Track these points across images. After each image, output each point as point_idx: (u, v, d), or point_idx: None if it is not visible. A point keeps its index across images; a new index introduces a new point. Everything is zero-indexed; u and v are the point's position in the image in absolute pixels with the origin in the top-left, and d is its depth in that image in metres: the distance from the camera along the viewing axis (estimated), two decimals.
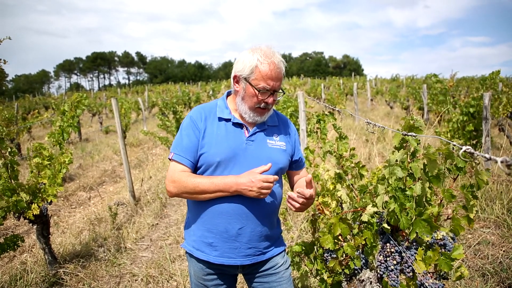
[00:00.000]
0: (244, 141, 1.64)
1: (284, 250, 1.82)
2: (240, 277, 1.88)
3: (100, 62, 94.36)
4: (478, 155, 0.92)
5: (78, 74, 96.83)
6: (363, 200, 1.88)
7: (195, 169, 1.67)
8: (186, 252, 1.76)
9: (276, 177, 1.52)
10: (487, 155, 0.82)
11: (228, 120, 1.66)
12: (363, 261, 1.78)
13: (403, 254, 1.52)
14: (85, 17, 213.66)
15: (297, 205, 1.54)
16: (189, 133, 1.63)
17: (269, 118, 1.73)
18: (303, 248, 2.04)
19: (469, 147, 0.93)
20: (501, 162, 0.72)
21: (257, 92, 1.57)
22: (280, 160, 1.68)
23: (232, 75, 1.65)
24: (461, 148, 0.99)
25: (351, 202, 2.09)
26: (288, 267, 1.81)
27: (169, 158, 1.66)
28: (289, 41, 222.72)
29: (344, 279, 1.85)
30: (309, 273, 2.18)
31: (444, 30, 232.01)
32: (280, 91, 1.65)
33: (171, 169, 1.63)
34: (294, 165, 1.83)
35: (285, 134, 1.78)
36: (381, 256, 1.59)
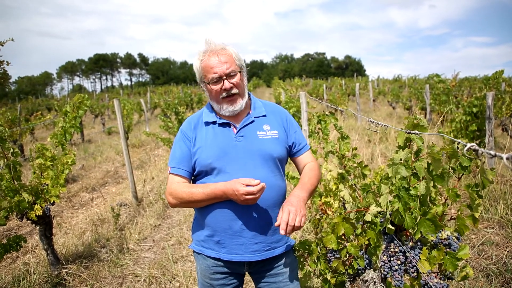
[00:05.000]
0: (233, 139, 1.65)
1: (292, 248, 1.81)
2: (247, 279, 1.88)
3: (103, 63, 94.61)
4: (483, 152, 0.91)
5: (81, 76, 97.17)
6: (366, 199, 1.87)
7: (195, 176, 1.70)
8: (194, 252, 1.77)
9: (258, 182, 1.45)
10: (492, 152, 0.81)
11: (214, 122, 1.69)
12: (367, 261, 1.77)
13: (407, 254, 1.51)
14: (88, 19, 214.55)
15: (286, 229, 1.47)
16: (180, 145, 1.68)
17: (255, 110, 1.73)
18: (307, 247, 2.03)
19: (474, 144, 0.93)
20: (507, 158, 0.71)
21: (210, 85, 1.61)
22: (274, 150, 1.66)
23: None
24: (466, 146, 0.98)
25: (354, 202, 2.08)
26: (295, 267, 1.81)
27: (168, 173, 1.71)
28: (291, 42, 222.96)
29: (347, 279, 1.84)
30: (312, 274, 2.17)
31: (447, 31, 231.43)
32: (237, 74, 1.62)
33: (169, 182, 1.68)
34: (293, 149, 1.78)
35: (277, 122, 1.74)
36: (385, 256, 1.58)
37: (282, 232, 1.45)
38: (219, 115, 1.70)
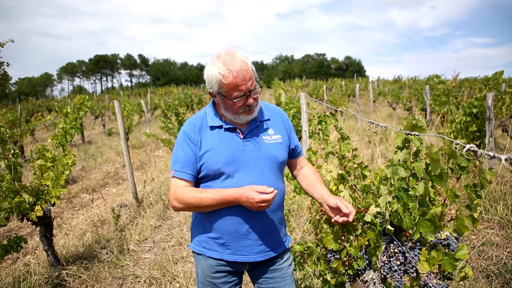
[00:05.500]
0: (240, 143, 1.65)
1: (289, 247, 1.85)
2: (246, 279, 1.89)
3: (103, 64, 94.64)
4: (482, 153, 0.91)
5: (81, 77, 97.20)
6: (366, 200, 1.88)
7: (199, 179, 1.69)
8: (194, 252, 1.78)
9: (272, 189, 1.49)
10: (491, 153, 0.81)
11: (220, 126, 1.67)
12: (367, 261, 1.78)
13: (407, 255, 1.51)
14: (89, 20, 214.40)
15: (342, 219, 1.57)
16: (184, 148, 1.65)
17: (260, 114, 1.73)
18: (306, 248, 2.04)
19: (473, 145, 0.93)
20: (505, 160, 0.71)
21: (232, 102, 1.57)
22: (279, 154, 1.70)
23: (208, 91, 1.66)
24: (465, 147, 0.99)
25: (354, 203, 2.09)
26: (291, 263, 1.85)
27: (171, 176, 1.69)
28: (292, 43, 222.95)
29: (347, 280, 1.84)
30: (312, 274, 2.17)
31: (447, 31, 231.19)
32: (257, 86, 1.62)
33: (173, 186, 1.65)
34: (295, 152, 1.84)
35: (279, 125, 1.78)
36: (385, 257, 1.58)
37: (351, 218, 1.54)
38: (224, 119, 1.68)
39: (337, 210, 1.58)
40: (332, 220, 1.59)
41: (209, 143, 1.64)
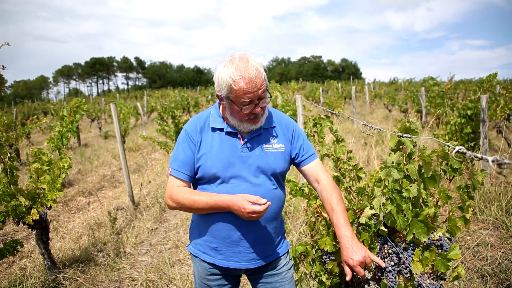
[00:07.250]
0: (239, 149, 1.61)
1: (287, 251, 1.84)
2: (243, 278, 1.89)
3: (99, 67, 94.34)
4: (470, 155, 0.94)
5: (77, 79, 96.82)
6: (361, 202, 1.90)
7: (196, 180, 1.68)
8: (191, 253, 1.79)
9: (265, 201, 1.44)
10: (478, 155, 0.84)
11: (221, 129, 1.64)
12: None
13: (401, 255, 1.53)
14: (86, 23, 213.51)
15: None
16: (184, 147, 1.63)
17: (266, 121, 1.67)
18: (306, 248, 2.05)
19: (462, 147, 0.95)
20: (492, 161, 0.73)
21: (240, 108, 1.53)
22: (277, 164, 1.65)
23: (216, 93, 1.60)
24: (454, 149, 1.01)
25: (349, 205, 2.11)
26: (290, 267, 1.82)
27: (168, 173, 1.67)
28: (289, 45, 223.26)
29: (342, 281, 1.86)
30: (308, 275, 2.19)
31: (443, 34, 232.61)
32: (267, 95, 1.57)
33: (169, 184, 1.64)
34: (296, 160, 1.73)
35: (283, 133, 1.71)
36: (379, 257, 1.60)
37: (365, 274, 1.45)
38: (228, 123, 1.64)
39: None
40: (347, 278, 1.47)
41: (208, 145, 1.62)
